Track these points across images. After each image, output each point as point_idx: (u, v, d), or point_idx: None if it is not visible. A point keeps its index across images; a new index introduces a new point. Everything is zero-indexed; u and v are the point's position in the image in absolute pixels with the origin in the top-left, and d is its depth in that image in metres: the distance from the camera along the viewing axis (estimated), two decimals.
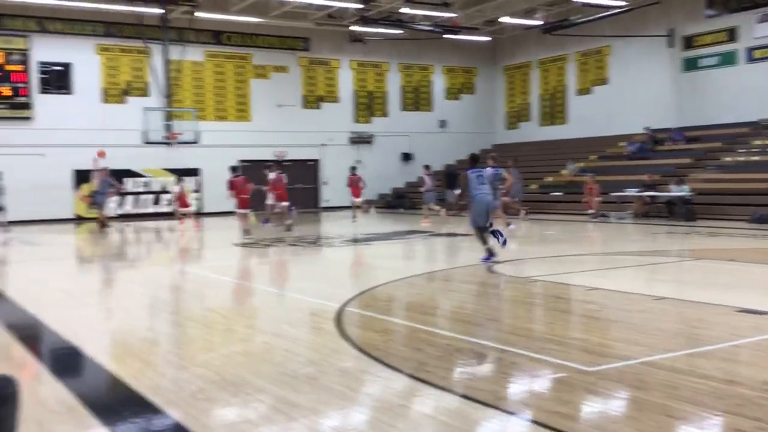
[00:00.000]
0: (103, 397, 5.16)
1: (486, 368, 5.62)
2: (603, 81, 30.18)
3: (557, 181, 26.75)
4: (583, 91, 31.07)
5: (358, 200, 24.04)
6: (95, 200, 22.57)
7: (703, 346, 5.93)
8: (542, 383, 5.17)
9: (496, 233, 11.81)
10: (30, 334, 7.49)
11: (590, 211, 22.00)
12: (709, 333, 6.59)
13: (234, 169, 20.84)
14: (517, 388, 5.10)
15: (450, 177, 24.62)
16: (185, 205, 23.71)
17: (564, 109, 32.00)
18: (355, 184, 24.14)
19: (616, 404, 4.63)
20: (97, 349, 6.60)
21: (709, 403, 4.44)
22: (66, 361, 6.34)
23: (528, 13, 28.27)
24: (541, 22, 27.83)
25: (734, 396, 4.55)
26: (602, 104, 29.94)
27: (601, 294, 8.75)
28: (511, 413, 4.44)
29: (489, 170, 14.04)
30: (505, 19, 28.60)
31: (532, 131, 33.10)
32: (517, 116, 34.36)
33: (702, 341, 6.20)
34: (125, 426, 4.37)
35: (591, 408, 4.57)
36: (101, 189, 22.23)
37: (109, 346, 6.97)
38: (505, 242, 11.89)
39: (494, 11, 28.44)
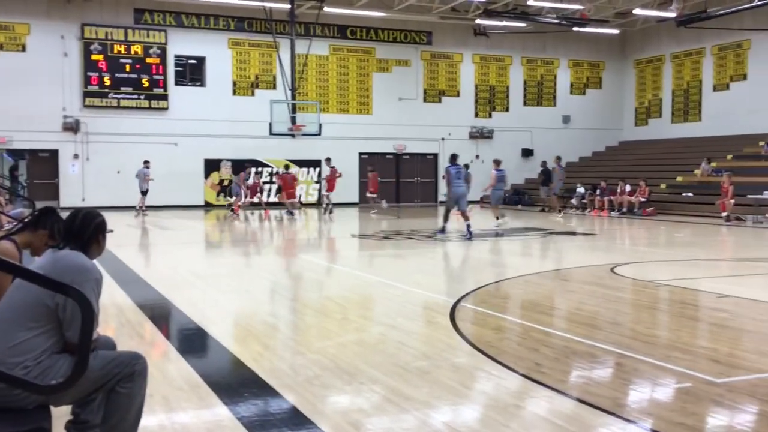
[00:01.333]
0: (225, 377, 5.35)
1: (605, 373, 5.42)
2: (742, 76, 28.44)
3: (688, 181, 25.47)
4: (720, 87, 29.40)
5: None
6: (232, 192, 25.17)
7: None
8: (665, 392, 4.93)
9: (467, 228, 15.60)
10: (160, 313, 7.91)
11: (723, 214, 20.81)
12: None
13: (286, 167, 23.77)
14: (638, 395, 4.89)
15: (545, 174, 26.55)
16: (254, 194, 25.10)
17: (698, 105, 30.40)
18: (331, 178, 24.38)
19: (745, 419, 4.34)
20: (221, 330, 6.88)
21: None
22: (192, 341, 6.64)
23: (662, 5, 27.04)
24: (676, 14, 26.52)
25: None
26: (741, 101, 28.20)
27: (733, 302, 8.24)
28: (630, 421, 4.26)
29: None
30: (637, 11, 27.47)
31: (663, 128, 31.66)
32: (646, 112, 32.98)
33: None
34: (244, 406, 4.52)
35: (718, 421, 4.30)
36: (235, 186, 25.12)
37: (233, 328, 7.25)
38: (469, 237, 15.22)
39: (626, 3, 27.40)
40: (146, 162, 23.92)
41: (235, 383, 5.10)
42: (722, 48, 29.13)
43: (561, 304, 8.48)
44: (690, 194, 24.27)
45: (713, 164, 25.41)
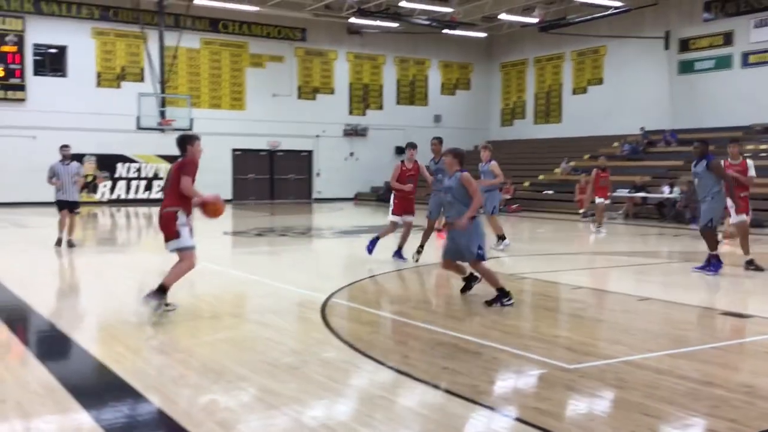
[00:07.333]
0: (85, 381, 5.16)
1: (468, 363, 5.64)
2: (599, 81, 30.25)
3: (549, 180, 26.81)
4: (579, 90, 31.14)
5: None
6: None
7: (684, 348, 5.97)
8: (523, 380, 5.20)
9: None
10: (15, 316, 7.48)
11: (581, 211, 22.06)
12: (691, 334, 6.64)
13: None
14: (498, 383, 5.13)
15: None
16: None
17: (559, 107, 32.05)
18: None
19: (594, 402, 4.66)
20: (81, 332, 6.61)
21: (687, 403, 4.48)
22: (50, 344, 6.33)
23: (526, 11, 28.31)
24: (538, 20, 27.85)
25: (711, 397, 4.59)
26: (597, 104, 30.01)
27: (587, 293, 8.80)
28: (491, 408, 4.47)
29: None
30: (503, 16, 28.61)
31: (527, 129, 33.16)
32: (512, 113, 34.40)
33: (684, 342, 6.24)
34: (105, 409, 4.37)
35: (570, 405, 4.59)
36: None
37: (94, 330, 6.97)
38: None
39: (492, 7, 28.45)
40: (65, 147, 14.43)
41: (96, 386, 4.93)
42: (580, 53, 30.85)
43: (429, 298, 8.73)
44: (551, 192, 25.56)
45: (572, 164, 26.88)
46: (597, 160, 18.36)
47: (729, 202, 10.18)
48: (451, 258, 7.81)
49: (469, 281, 8.00)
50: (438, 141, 11.71)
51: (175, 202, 6.86)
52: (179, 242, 6.90)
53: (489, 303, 7.49)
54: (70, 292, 8.99)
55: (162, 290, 6.89)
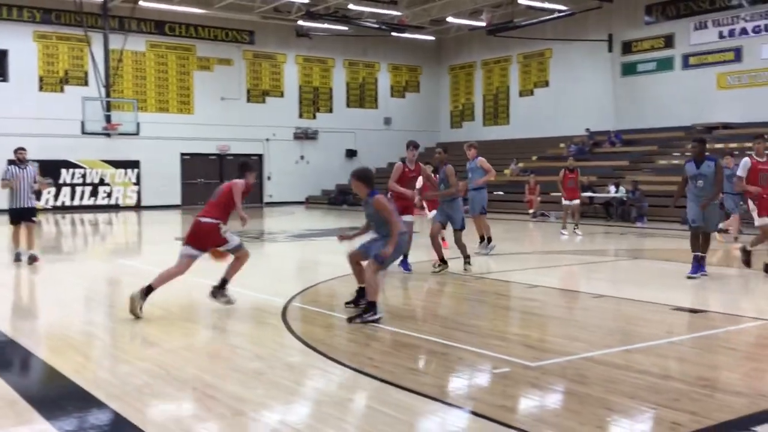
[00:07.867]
0: (46, 392, 5.03)
1: (432, 363, 5.70)
2: (545, 83, 30.78)
3: (499, 181, 27.11)
4: (526, 92, 31.63)
5: None
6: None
7: (640, 343, 6.12)
8: (489, 378, 5.27)
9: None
10: None
11: (530, 211, 22.42)
12: (645, 330, 6.81)
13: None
14: (462, 382, 5.19)
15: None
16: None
17: (507, 109, 32.50)
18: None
19: (557, 398, 4.75)
20: (37, 343, 6.46)
21: (647, 397, 4.60)
22: (6, 356, 6.16)
23: (473, 14, 28.65)
24: (486, 23, 28.21)
25: (670, 390, 4.73)
26: (543, 106, 30.54)
27: (542, 291, 8.95)
28: (456, 407, 4.52)
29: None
30: (451, 19, 28.90)
31: (476, 131, 33.52)
32: (461, 115, 34.74)
33: (639, 338, 6.40)
34: (68, 420, 4.28)
35: (534, 402, 4.68)
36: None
37: (50, 340, 6.79)
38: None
39: (440, 11, 28.72)
40: (21, 150, 12.77)
41: (57, 397, 4.81)
42: (527, 56, 31.36)
43: (388, 300, 8.76)
44: (501, 193, 25.89)
45: (521, 165, 27.29)
46: (566, 161, 18.49)
47: (751, 204, 10.16)
48: (359, 251, 7.60)
49: (359, 299, 7.49)
50: (442, 150, 11.12)
51: (218, 215, 7.58)
52: (231, 244, 7.71)
53: (351, 319, 6.95)
54: (22, 302, 8.75)
55: (224, 284, 7.84)
